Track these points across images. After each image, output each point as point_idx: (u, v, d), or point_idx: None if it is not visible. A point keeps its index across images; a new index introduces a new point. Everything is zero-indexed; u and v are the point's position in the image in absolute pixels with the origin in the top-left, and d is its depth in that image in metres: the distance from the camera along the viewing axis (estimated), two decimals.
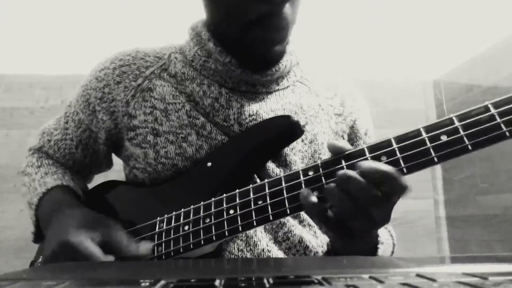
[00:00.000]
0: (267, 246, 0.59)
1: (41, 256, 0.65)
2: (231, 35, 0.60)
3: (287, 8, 0.54)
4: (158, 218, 0.57)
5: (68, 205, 0.61)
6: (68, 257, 0.50)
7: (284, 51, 0.65)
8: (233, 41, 0.61)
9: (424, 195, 1.74)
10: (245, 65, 0.62)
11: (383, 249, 0.57)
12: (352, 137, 0.71)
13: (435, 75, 1.83)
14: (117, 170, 0.79)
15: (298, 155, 0.63)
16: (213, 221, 0.53)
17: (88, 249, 0.50)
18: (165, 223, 0.56)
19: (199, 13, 0.69)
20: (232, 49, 0.62)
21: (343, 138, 0.70)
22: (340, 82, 0.74)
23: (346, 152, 0.48)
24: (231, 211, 0.52)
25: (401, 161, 0.45)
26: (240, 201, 0.52)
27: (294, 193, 0.49)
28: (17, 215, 1.41)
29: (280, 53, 0.63)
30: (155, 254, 0.55)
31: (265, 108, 0.63)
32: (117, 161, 0.77)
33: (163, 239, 0.55)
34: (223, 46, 0.62)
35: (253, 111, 0.62)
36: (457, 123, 0.44)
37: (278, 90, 0.66)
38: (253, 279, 0.24)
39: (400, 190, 0.43)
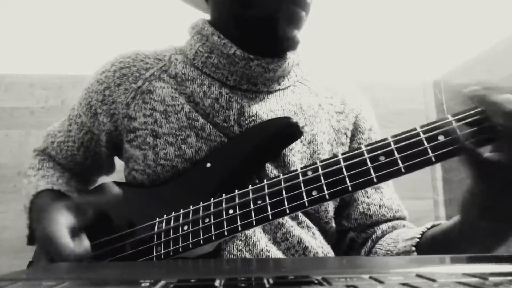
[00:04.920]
0: (266, 246, 0.59)
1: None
2: (261, 13, 0.60)
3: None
4: (157, 219, 0.57)
5: (50, 208, 0.60)
6: (49, 252, 0.53)
7: (299, 41, 0.65)
8: (250, 28, 0.61)
9: (424, 195, 1.74)
10: (255, 52, 0.62)
11: None
12: (354, 133, 0.70)
13: (435, 76, 1.83)
14: (117, 170, 0.79)
15: (297, 155, 0.63)
16: (212, 221, 0.53)
17: (60, 239, 0.52)
18: (164, 224, 0.56)
19: (198, 15, 0.69)
20: (241, 40, 0.62)
21: (346, 136, 0.69)
22: (339, 82, 0.74)
23: (344, 153, 0.49)
24: (231, 211, 0.52)
25: (399, 161, 0.45)
26: (239, 201, 0.52)
27: (293, 193, 0.49)
28: (17, 215, 1.41)
29: (297, 40, 0.64)
30: (154, 254, 0.55)
31: (264, 109, 0.63)
32: (117, 161, 0.77)
33: (162, 239, 0.55)
34: (228, 38, 0.62)
35: (253, 112, 0.62)
36: (454, 124, 0.44)
37: (278, 90, 0.66)
38: (253, 279, 0.24)
39: None
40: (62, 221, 0.54)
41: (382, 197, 0.68)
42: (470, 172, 0.44)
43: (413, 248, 0.56)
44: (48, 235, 0.52)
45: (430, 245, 0.55)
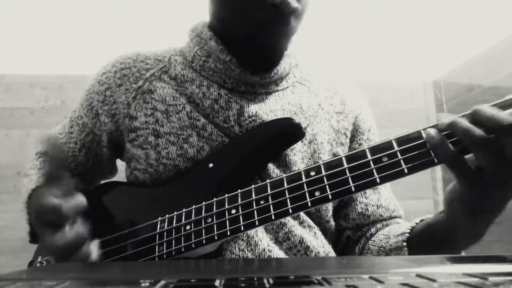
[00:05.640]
0: (268, 246, 0.59)
1: (39, 257, 0.66)
2: (236, 34, 0.61)
3: (292, 19, 0.57)
4: (160, 218, 0.57)
5: (42, 190, 0.59)
6: (46, 220, 0.51)
7: (283, 55, 0.66)
8: (237, 41, 0.62)
9: (424, 195, 1.75)
10: (245, 65, 0.62)
11: None
12: (354, 134, 0.71)
13: (435, 75, 1.83)
14: (118, 171, 0.79)
15: (298, 155, 0.63)
16: (215, 221, 0.53)
17: (49, 198, 0.50)
18: (166, 223, 0.56)
19: (199, 17, 0.69)
20: (235, 48, 0.63)
21: (346, 136, 0.70)
22: (339, 82, 0.74)
23: (347, 154, 0.49)
24: (233, 211, 0.52)
25: (402, 162, 0.45)
26: (242, 201, 0.52)
27: (296, 193, 0.49)
28: (17, 215, 1.41)
29: (279, 57, 0.65)
30: (156, 254, 0.55)
31: (264, 109, 0.63)
32: (118, 162, 0.77)
33: (165, 239, 0.55)
34: (225, 45, 0.63)
35: (252, 112, 0.62)
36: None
37: (277, 90, 0.66)
38: (254, 279, 0.24)
39: None
40: (50, 189, 0.52)
41: (380, 197, 0.69)
42: (455, 175, 0.46)
43: (404, 244, 0.58)
44: (39, 202, 0.51)
45: (419, 239, 0.57)
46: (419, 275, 0.24)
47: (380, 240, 0.63)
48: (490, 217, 0.48)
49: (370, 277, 0.24)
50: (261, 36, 0.58)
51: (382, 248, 0.62)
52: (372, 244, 0.64)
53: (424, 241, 0.57)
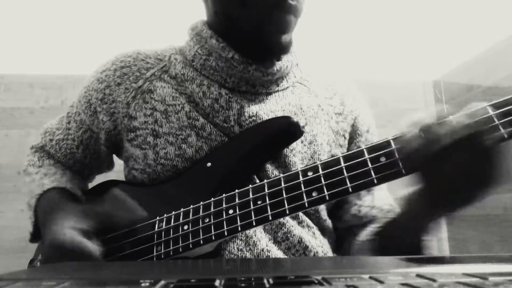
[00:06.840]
0: (266, 246, 0.59)
1: (39, 256, 0.66)
2: (244, 30, 0.60)
3: None
4: (158, 218, 0.57)
5: (59, 207, 0.61)
6: (59, 255, 0.53)
7: (291, 42, 0.66)
8: (244, 37, 0.61)
9: None
10: (252, 58, 0.62)
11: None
12: (353, 135, 0.71)
13: (435, 75, 1.83)
14: (117, 171, 0.79)
15: (297, 156, 0.63)
16: (212, 221, 0.53)
17: (75, 242, 0.52)
18: (164, 223, 0.56)
19: (199, 15, 0.69)
20: (239, 44, 0.62)
21: (344, 138, 0.70)
22: (338, 81, 0.74)
23: (344, 153, 0.49)
24: (231, 211, 0.52)
25: (399, 162, 0.45)
26: (239, 201, 0.52)
27: (293, 193, 0.49)
28: (17, 215, 1.41)
29: (288, 43, 0.65)
30: (154, 254, 0.55)
31: (264, 109, 0.63)
32: (117, 161, 0.77)
33: (163, 239, 0.55)
34: (227, 42, 0.63)
35: (253, 112, 0.62)
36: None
37: (278, 91, 0.66)
38: (253, 279, 0.24)
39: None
40: (79, 226, 0.55)
41: (373, 198, 0.68)
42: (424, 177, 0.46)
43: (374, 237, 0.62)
44: (66, 240, 0.53)
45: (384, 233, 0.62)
46: (419, 275, 0.24)
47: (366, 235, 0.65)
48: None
49: (370, 277, 0.24)
50: (276, 17, 0.57)
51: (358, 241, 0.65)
52: (357, 239, 0.66)
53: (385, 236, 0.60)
